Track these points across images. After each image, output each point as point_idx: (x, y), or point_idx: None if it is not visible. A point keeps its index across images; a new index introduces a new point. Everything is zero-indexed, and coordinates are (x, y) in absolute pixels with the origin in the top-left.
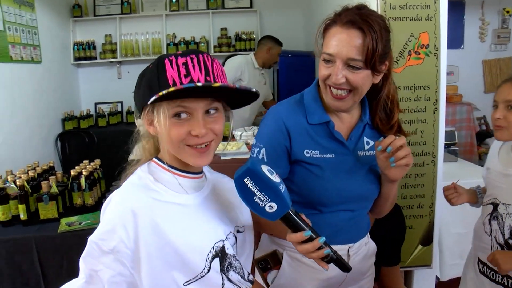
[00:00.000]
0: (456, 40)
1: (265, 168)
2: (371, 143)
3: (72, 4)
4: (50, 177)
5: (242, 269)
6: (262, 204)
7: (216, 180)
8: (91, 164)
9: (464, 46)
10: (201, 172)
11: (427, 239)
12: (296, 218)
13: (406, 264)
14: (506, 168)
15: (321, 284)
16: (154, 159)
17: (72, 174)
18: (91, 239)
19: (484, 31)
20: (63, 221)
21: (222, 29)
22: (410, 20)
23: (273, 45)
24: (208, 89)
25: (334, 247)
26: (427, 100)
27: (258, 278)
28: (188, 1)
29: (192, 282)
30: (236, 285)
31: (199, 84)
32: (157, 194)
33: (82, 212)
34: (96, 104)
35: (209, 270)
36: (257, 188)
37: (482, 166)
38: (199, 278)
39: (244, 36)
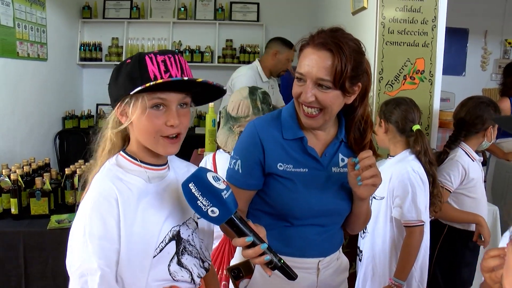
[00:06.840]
0: (458, 67)
1: (210, 176)
2: (346, 160)
3: (82, 5)
4: (44, 174)
5: (199, 253)
6: (204, 209)
7: (183, 169)
8: (86, 164)
9: (465, 73)
10: (165, 164)
11: None
12: (240, 224)
13: None
14: None
15: None
16: (121, 152)
17: (66, 172)
18: (91, 241)
19: (486, 60)
20: (53, 218)
21: (227, 40)
22: (407, 45)
23: (280, 49)
24: (186, 84)
25: (305, 260)
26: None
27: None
28: (196, 10)
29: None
30: (187, 269)
31: (185, 78)
32: (127, 183)
33: (73, 210)
34: (97, 105)
35: (161, 250)
36: (200, 193)
37: None
38: (156, 255)
39: (248, 49)
